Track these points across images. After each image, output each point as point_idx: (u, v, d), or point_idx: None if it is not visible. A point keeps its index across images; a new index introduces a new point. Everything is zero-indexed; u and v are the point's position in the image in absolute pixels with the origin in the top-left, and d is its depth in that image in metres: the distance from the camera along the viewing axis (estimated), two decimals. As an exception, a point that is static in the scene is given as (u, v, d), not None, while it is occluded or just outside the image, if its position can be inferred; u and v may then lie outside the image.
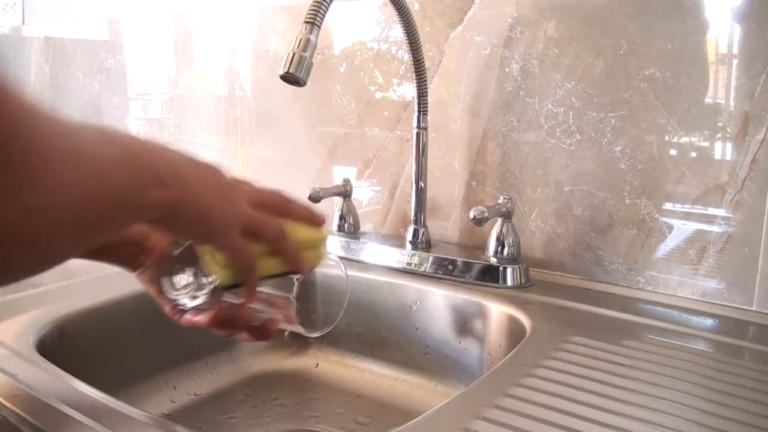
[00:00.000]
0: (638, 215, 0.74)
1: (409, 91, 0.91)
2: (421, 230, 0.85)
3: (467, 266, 0.78)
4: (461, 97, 0.86)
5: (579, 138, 0.77)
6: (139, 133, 1.31)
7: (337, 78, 0.99)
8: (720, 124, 0.69)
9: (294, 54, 0.62)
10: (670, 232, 0.73)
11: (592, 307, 0.69)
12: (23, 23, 1.54)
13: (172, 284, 0.48)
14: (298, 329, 0.53)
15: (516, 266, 0.77)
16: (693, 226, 0.72)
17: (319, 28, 0.64)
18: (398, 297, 0.79)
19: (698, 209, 0.71)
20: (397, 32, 0.87)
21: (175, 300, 0.48)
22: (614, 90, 0.74)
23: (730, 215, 0.69)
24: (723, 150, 0.70)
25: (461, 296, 0.74)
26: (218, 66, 1.16)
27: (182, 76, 1.23)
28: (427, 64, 0.81)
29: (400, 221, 0.94)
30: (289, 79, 0.63)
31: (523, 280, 0.77)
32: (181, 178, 0.38)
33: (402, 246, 0.84)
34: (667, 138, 0.72)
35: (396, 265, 0.83)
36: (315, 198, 0.86)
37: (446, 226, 0.90)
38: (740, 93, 0.67)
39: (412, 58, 0.78)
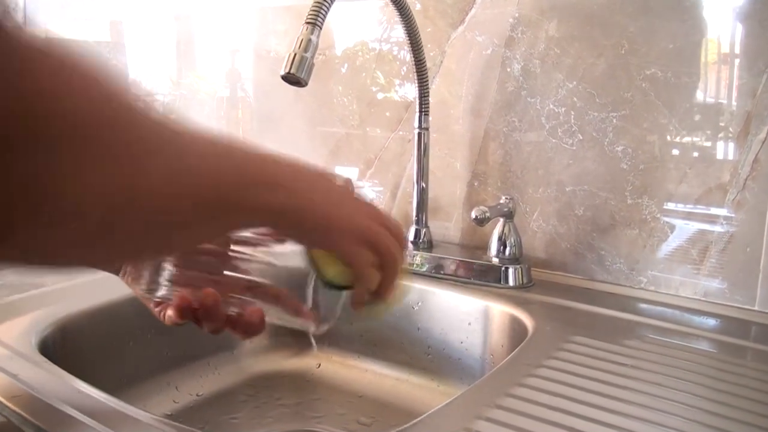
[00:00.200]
0: (640, 215, 0.74)
1: (411, 91, 0.91)
2: (423, 230, 0.85)
3: (469, 266, 0.78)
4: (463, 98, 0.86)
5: (581, 138, 0.77)
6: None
7: (339, 78, 0.99)
8: (722, 124, 0.69)
9: (295, 54, 0.62)
10: (672, 232, 0.73)
11: (594, 307, 0.69)
12: (25, 24, 1.54)
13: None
14: (303, 325, 0.52)
15: (518, 266, 0.77)
16: (695, 225, 0.71)
17: (321, 28, 0.64)
18: (400, 297, 0.79)
19: (700, 209, 0.71)
20: (399, 33, 0.87)
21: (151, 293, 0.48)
22: (616, 90, 0.74)
23: (732, 215, 0.69)
24: (725, 150, 0.70)
25: (463, 296, 0.74)
26: (220, 67, 1.16)
27: (184, 77, 1.23)
28: (428, 64, 0.81)
29: (402, 221, 0.94)
30: (291, 79, 0.63)
31: (525, 280, 0.77)
32: (297, 182, 0.38)
33: (404, 246, 0.84)
34: (668, 138, 0.72)
35: (398, 265, 0.83)
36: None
37: (448, 227, 0.90)
38: (742, 92, 0.67)
39: (413, 59, 0.78)
